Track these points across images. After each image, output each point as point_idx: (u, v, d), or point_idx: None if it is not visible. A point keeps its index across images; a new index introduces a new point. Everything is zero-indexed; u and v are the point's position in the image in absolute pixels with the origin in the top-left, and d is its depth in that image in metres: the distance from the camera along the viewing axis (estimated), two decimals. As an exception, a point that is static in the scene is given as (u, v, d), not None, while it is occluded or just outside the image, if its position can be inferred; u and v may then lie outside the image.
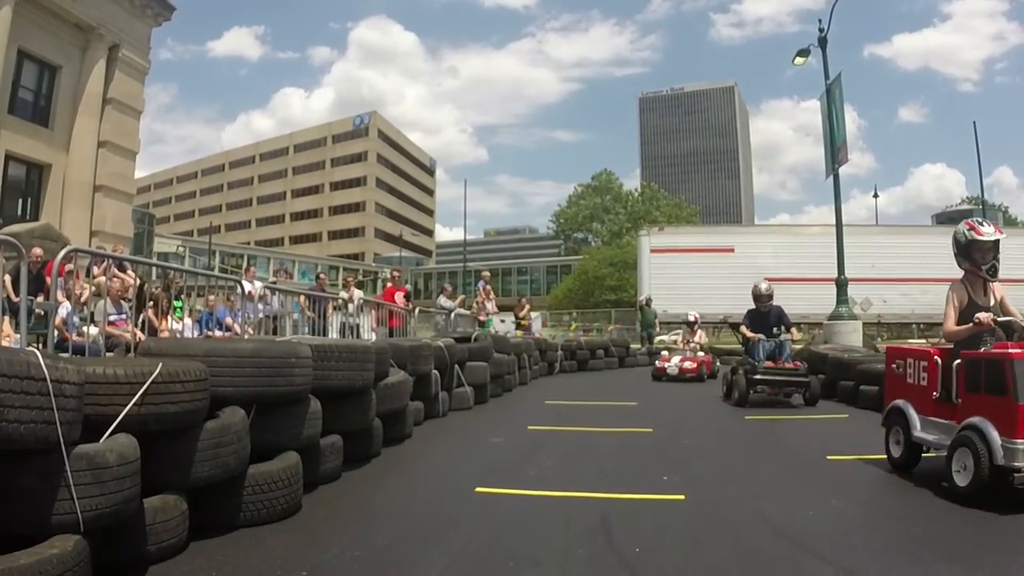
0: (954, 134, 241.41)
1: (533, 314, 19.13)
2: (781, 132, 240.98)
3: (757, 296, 9.39)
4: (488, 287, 16.43)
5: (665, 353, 14.72)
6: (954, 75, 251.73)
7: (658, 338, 21.31)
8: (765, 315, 9.30)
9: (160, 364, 3.01)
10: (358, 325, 10.58)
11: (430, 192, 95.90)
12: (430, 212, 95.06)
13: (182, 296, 8.29)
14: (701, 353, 13.99)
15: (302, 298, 9.85)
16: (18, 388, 2.26)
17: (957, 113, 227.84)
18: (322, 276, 16.64)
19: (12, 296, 6.55)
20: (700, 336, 14.91)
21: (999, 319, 4.40)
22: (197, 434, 3.20)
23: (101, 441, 2.66)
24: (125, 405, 2.83)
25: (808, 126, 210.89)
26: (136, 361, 3.34)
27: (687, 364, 13.11)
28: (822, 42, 15.87)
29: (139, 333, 6.10)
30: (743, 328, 9.46)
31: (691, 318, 14.88)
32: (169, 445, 3.09)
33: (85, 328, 5.43)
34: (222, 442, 3.29)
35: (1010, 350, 3.94)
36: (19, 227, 14.53)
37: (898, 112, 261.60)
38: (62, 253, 4.42)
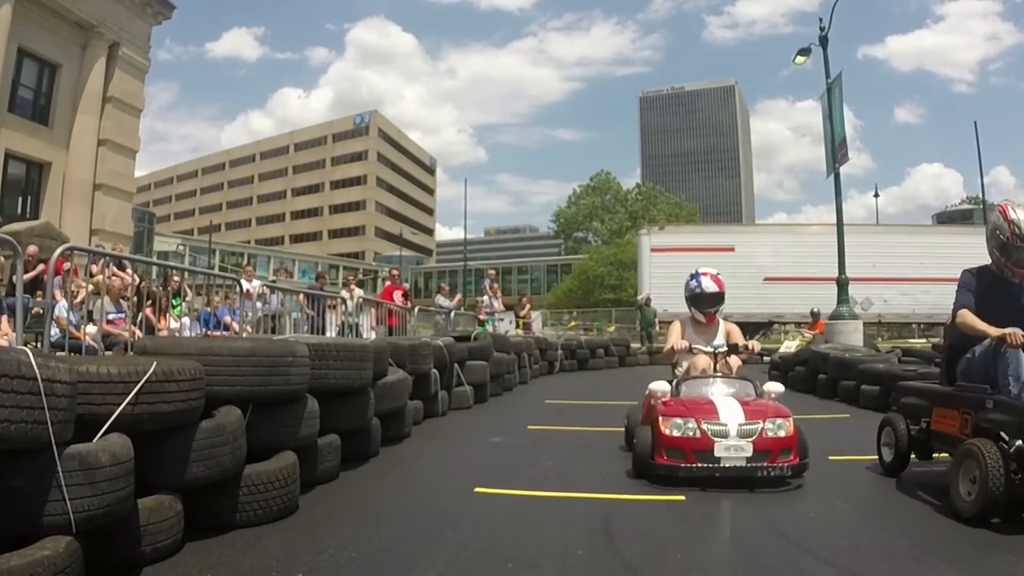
0: (951, 134, 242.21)
1: (533, 313, 19.13)
2: (777, 132, 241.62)
3: (1008, 245, 4.01)
4: (495, 285, 16.55)
5: (664, 388, 4.96)
6: (949, 76, 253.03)
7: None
8: (1014, 289, 4.13)
9: (154, 363, 2.98)
10: (357, 324, 10.57)
11: (430, 191, 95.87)
12: (430, 211, 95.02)
13: (181, 294, 8.27)
14: (774, 386, 5.10)
15: (301, 296, 9.84)
16: (8, 387, 2.23)
17: (953, 113, 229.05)
18: (323, 276, 16.69)
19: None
20: (740, 336, 5.49)
21: None
22: (192, 433, 3.16)
23: (94, 441, 2.62)
24: (119, 404, 2.79)
25: (804, 126, 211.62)
26: (130, 360, 3.31)
27: (771, 427, 4.47)
28: (823, 41, 15.83)
29: (137, 331, 6.08)
30: (966, 315, 4.08)
31: (710, 285, 5.55)
32: (164, 445, 3.06)
33: (83, 327, 5.41)
34: (218, 442, 3.25)
35: None
36: (19, 225, 14.50)
37: (894, 112, 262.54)
38: (58, 251, 4.40)
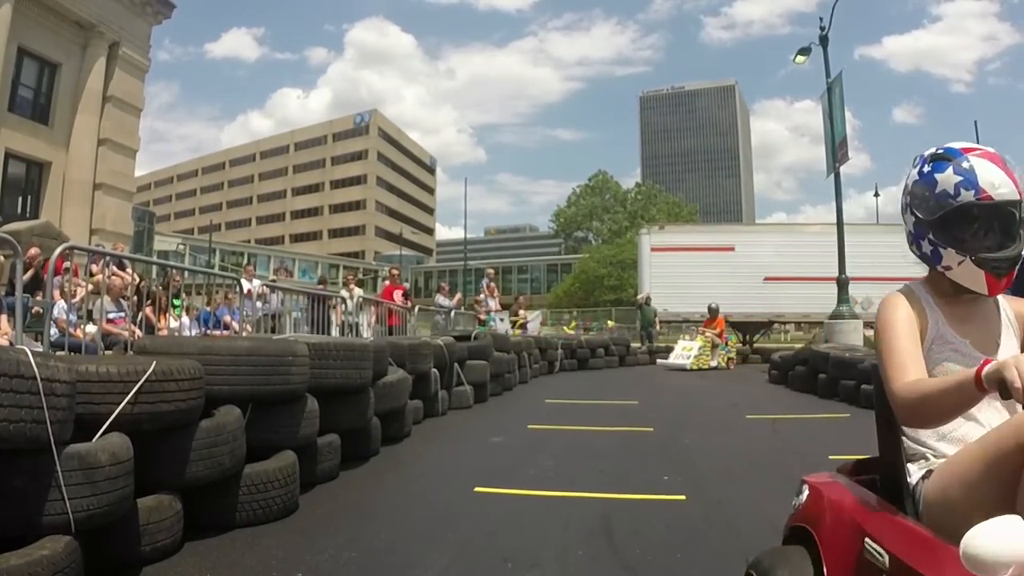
0: (949, 134, 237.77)
1: (532, 313, 19.11)
2: (776, 132, 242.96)
3: None
4: (492, 284, 16.51)
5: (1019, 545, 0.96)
6: (946, 76, 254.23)
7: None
8: None
9: (154, 362, 2.98)
10: (357, 323, 10.56)
11: (430, 190, 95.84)
12: (430, 210, 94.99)
13: (181, 294, 8.26)
14: None
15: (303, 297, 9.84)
16: (7, 387, 2.22)
17: (951, 113, 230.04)
18: (324, 280, 16.86)
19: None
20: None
21: None
22: (192, 433, 3.16)
23: (93, 440, 2.62)
24: (118, 404, 2.79)
25: (803, 126, 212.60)
26: (130, 359, 3.31)
27: None
28: (823, 40, 15.82)
29: (137, 331, 6.08)
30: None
31: (999, 179, 1.47)
32: (163, 444, 3.06)
33: (82, 326, 5.41)
34: (217, 441, 3.25)
35: None
36: (19, 225, 14.49)
37: (892, 113, 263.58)
38: (57, 251, 4.40)
